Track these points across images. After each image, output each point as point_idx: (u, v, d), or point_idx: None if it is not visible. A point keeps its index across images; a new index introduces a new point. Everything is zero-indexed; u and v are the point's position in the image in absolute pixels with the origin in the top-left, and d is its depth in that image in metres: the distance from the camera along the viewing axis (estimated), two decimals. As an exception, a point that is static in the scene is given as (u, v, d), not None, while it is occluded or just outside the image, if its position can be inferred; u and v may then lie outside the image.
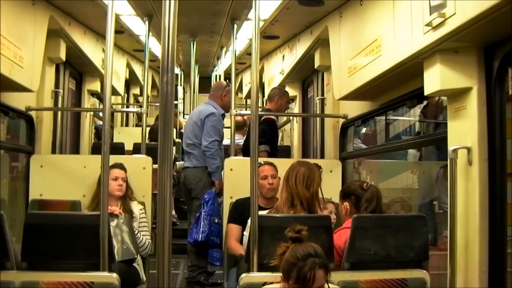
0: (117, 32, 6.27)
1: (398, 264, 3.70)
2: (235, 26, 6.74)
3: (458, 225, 3.59)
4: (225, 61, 10.77)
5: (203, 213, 5.78)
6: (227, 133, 7.12)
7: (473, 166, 3.54)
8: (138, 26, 7.42)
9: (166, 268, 2.38)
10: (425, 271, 3.67)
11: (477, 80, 3.55)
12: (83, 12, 6.15)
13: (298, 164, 4.26)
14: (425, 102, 5.71)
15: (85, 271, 3.49)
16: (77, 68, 7.65)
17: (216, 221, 5.75)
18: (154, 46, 8.79)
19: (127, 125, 12.53)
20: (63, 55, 6.07)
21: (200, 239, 5.72)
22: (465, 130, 3.61)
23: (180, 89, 13.93)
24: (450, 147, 3.61)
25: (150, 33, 6.87)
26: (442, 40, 3.43)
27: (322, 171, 4.41)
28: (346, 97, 5.31)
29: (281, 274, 2.93)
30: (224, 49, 9.81)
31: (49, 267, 3.57)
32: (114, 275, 3.47)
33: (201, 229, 5.73)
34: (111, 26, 3.73)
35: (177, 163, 8.22)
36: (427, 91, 3.77)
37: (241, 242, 4.64)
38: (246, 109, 11.79)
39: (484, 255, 3.50)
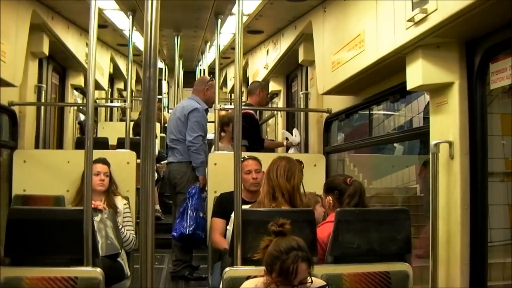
0: (100, 26, 6.26)
1: (381, 258, 3.72)
2: (219, 20, 6.74)
3: (440, 219, 3.63)
4: (210, 56, 10.75)
5: (189, 207, 5.78)
6: (211, 127, 7.12)
7: (454, 160, 3.58)
8: (121, 20, 7.39)
9: (149, 263, 2.38)
10: (407, 264, 3.70)
11: (458, 75, 3.58)
12: (67, 6, 6.11)
13: (279, 158, 4.28)
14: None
15: (69, 266, 3.47)
16: (60, 62, 7.60)
17: (201, 215, 5.76)
18: (138, 41, 8.76)
19: (111, 119, 12.49)
20: (46, 50, 6.03)
21: (187, 233, 5.71)
22: (447, 125, 3.64)
23: (164, 84, 13.91)
24: (432, 141, 3.65)
25: (134, 28, 6.84)
26: (424, 36, 3.46)
27: (303, 166, 4.42)
28: (330, 92, 5.33)
29: (264, 267, 2.94)
30: (208, 44, 9.80)
31: (33, 262, 3.56)
32: (98, 270, 3.46)
33: (187, 223, 5.73)
34: (94, 20, 3.72)
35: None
36: (409, 86, 3.80)
37: (225, 236, 4.65)
38: (230, 104, 11.78)
39: (466, 248, 3.54)
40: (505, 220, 3.99)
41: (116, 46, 9.86)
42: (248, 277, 3.23)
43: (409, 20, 3.49)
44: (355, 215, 3.75)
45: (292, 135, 6.92)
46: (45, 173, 5.31)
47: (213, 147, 6.52)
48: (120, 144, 7.84)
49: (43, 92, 6.45)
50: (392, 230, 3.75)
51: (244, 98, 7.16)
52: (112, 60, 10.20)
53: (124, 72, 10.68)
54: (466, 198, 3.54)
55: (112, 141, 8.69)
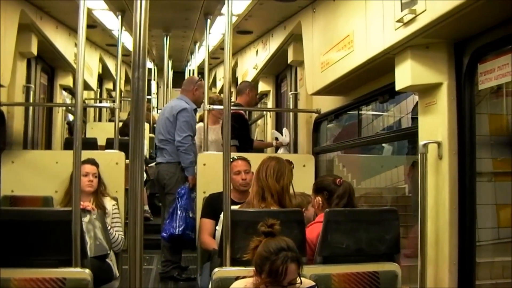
0: (89, 26, 6.23)
1: (370, 258, 3.73)
2: (209, 21, 6.73)
3: (428, 219, 3.64)
4: (199, 56, 10.74)
5: (179, 207, 5.77)
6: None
7: (443, 160, 3.59)
8: (111, 20, 7.36)
9: (138, 263, 2.38)
10: (396, 264, 3.71)
11: (447, 76, 3.60)
12: (55, 6, 6.08)
13: (269, 159, 4.27)
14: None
15: (57, 267, 3.45)
16: (49, 62, 7.56)
17: (190, 215, 5.75)
18: (127, 41, 8.73)
19: (100, 120, 12.44)
20: (34, 50, 5.99)
21: (177, 233, 5.70)
22: (435, 125, 3.65)
23: (153, 84, 13.88)
24: (421, 142, 3.66)
25: (123, 28, 6.83)
26: (413, 36, 3.47)
27: (293, 166, 4.42)
28: (319, 92, 5.34)
29: (253, 268, 2.94)
30: (198, 44, 9.79)
31: (21, 263, 3.54)
32: (87, 271, 3.45)
33: (177, 223, 5.72)
34: (83, 20, 3.70)
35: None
36: (398, 86, 3.82)
37: (214, 236, 4.64)
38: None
39: (454, 248, 3.55)
40: (493, 220, 4.01)
41: (105, 46, 9.82)
42: (237, 278, 3.23)
43: (398, 21, 3.50)
44: (344, 216, 3.75)
45: (282, 135, 6.92)
46: (33, 174, 5.28)
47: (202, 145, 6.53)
48: (109, 144, 7.81)
49: (32, 92, 6.41)
50: (381, 230, 3.76)
51: (233, 98, 7.13)
52: (101, 60, 10.17)
53: (113, 73, 10.64)
54: (454, 198, 3.56)
55: (101, 142, 8.66)
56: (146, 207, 8.54)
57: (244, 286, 3.01)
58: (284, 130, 6.98)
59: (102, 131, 9.81)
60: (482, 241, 3.81)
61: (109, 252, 4.64)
